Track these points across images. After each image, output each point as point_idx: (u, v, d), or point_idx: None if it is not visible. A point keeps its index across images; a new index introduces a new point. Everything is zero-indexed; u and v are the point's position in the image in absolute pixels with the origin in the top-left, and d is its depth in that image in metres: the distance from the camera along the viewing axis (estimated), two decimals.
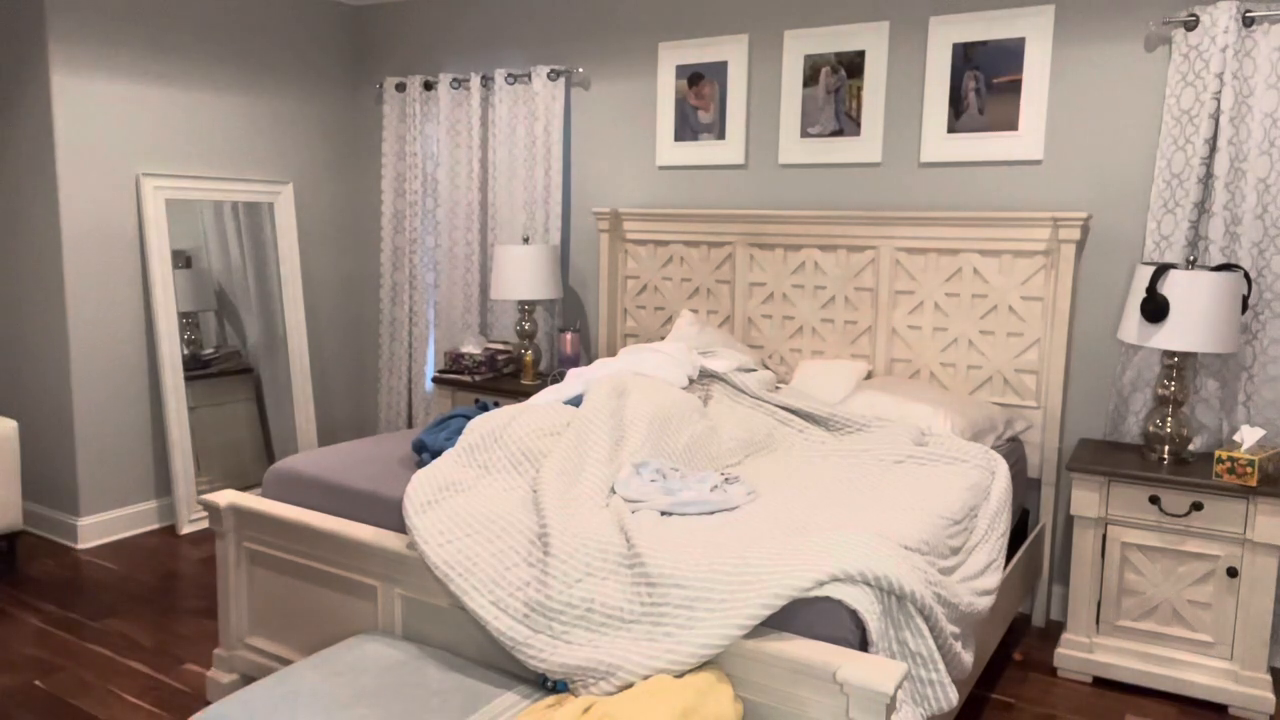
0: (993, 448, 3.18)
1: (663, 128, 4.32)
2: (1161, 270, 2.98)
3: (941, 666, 2.11)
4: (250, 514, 2.80)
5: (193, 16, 4.48)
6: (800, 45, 3.96)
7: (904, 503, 2.53)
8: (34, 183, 4.15)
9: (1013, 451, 3.37)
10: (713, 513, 2.43)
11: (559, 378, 3.97)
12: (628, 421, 2.84)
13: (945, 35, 3.66)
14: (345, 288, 5.36)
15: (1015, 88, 3.55)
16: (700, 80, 4.21)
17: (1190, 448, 3.15)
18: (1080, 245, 3.45)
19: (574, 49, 4.54)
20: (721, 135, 4.18)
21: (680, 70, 4.25)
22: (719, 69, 4.15)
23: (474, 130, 4.71)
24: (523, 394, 4.14)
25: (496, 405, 3.23)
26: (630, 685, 1.98)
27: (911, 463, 2.91)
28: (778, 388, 3.64)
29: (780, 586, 1.97)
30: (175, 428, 4.43)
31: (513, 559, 2.27)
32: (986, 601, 2.48)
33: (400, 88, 4.97)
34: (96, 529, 4.28)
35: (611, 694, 1.99)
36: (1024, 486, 3.46)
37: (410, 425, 5.13)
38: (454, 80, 4.78)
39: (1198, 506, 2.94)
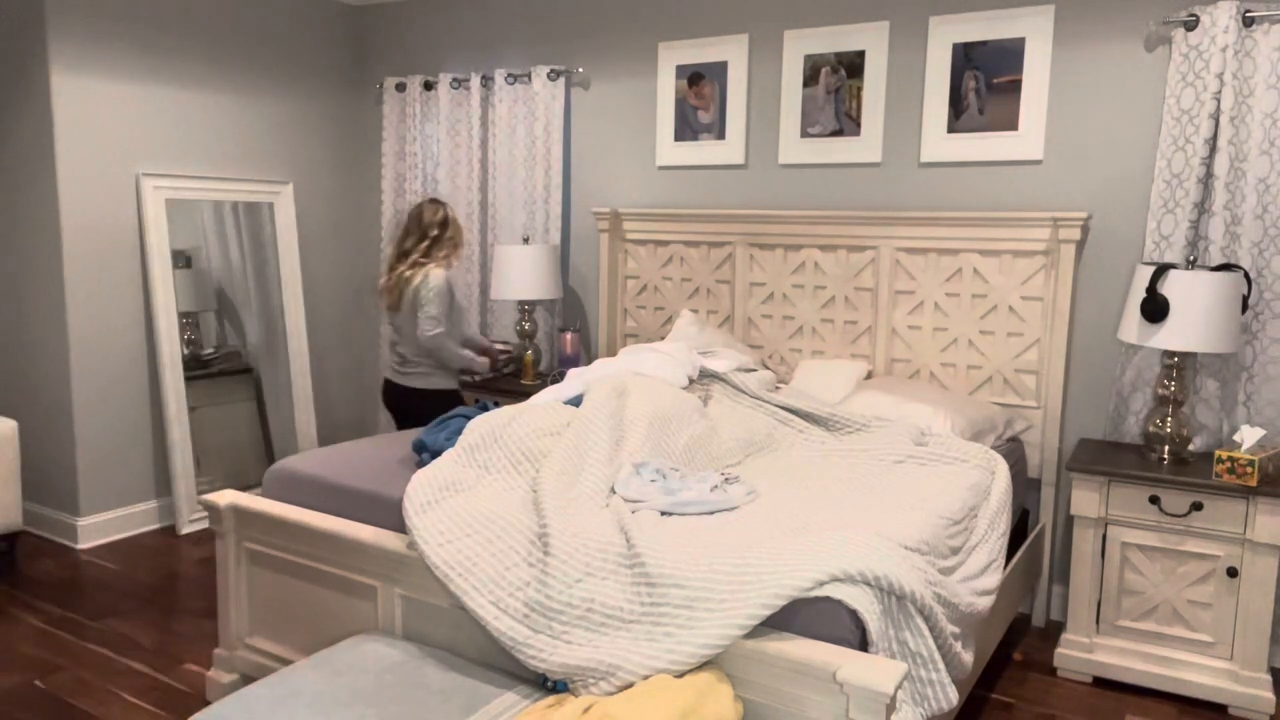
0: (993, 448, 3.17)
1: (663, 128, 4.32)
2: (1161, 270, 2.98)
3: (941, 666, 2.11)
4: (250, 514, 2.80)
5: (193, 16, 4.48)
6: (800, 45, 3.96)
7: (904, 503, 2.53)
8: (34, 183, 4.15)
9: (1013, 451, 3.37)
10: (712, 513, 2.43)
11: (559, 378, 3.97)
12: (628, 421, 2.84)
13: (945, 35, 3.65)
14: (345, 288, 5.36)
15: (1015, 88, 3.55)
16: (700, 80, 4.21)
17: (1190, 448, 3.14)
18: (1080, 245, 3.45)
19: (574, 49, 4.53)
20: (721, 135, 4.18)
21: (680, 70, 4.25)
22: (719, 69, 4.15)
23: (474, 130, 4.71)
24: (523, 394, 4.14)
25: (496, 405, 3.23)
26: (630, 685, 1.98)
27: (911, 463, 2.91)
28: (778, 388, 3.64)
29: (780, 586, 1.97)
30: (175, 428, 4.43)
31: (513, 559, 2.27)
32: (986, 601, 2.48)
33: (400, 88, 4.97)
34: (96, 529, 4.28)
35: (611, 694, 1.99)
36: (1024, 486, 3.46)
37: None
38: (454, 80, 4.78)
39: (1198, 506, 2.94)
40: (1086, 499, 3.09)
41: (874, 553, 2.06)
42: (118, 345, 4.30)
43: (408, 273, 3.60)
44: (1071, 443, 3.56)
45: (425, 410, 3.63)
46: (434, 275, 3.63)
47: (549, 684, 2.14)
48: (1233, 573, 2.92)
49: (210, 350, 4.77)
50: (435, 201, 3.79)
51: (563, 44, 4.56)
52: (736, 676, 1.99)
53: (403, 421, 3.82)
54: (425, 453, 2.86)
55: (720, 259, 4.15)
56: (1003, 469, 2.97)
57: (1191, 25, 3.16)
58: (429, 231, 3.68)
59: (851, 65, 3.86)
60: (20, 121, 4.17)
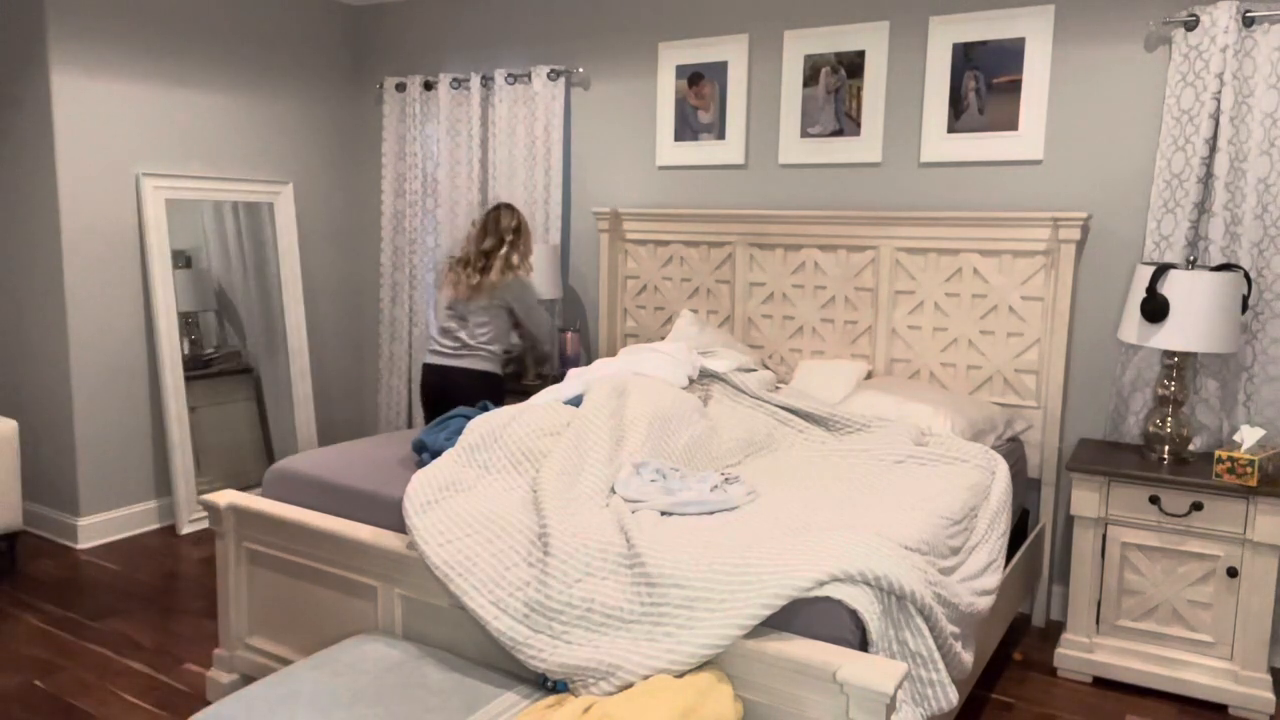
0: (993, 448, 3.17)
1: (663, 128, 4.32)
2: (1161, 270, 2.98)
3: (941, 666, 2.11)
4: (250, 514, 2.80)
5: (193, 16, 4.48)
6: (800, 45, 3.96)
7: (904, 503, 2.53)
8: (34, 182, 4.15)
9: (1013, 451, 3.37)
10: (712, 513, 2.43)
11: (560, 377, 3.97)
12: (628, 421, 2.84)
13: (945, 35, 3.65)
14: (345, 288, 5.36)
15: (1015, 88, 3.55)
16: (700, 80, 4.21)
17: (1190, 448, 3.14)
18: (1080, 245, 3.45)
19: (574, 49, 4.53)
20: (721, 135, 4.18)
21: (680, 70, 4.25)
22: (719, 69, 4.15)
23: (474, 130, 4.71)
24: (523, 394, 4.13)
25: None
26: (630, 685, 1.98)
27: (912, 463, 2.91)
28: (778, 388, 3.64)
29: (780, 586, 1.97)
30: (175, 428, 4.43)
31: (513, 559, 2.27)
32: (986, 601, 2.48)
33: (400, 88, 4.97)
34: (96, 529, 4.28)
35: (611, 694, 1.99)
36: (1024, 486, 3.46)
37: (410, 425, 5.13)
38: (454, 80, 4.78)
39: (1198, 506, 2.94)
40: (1086, 499, 3.09)
41: (874, 553, 2.06)
42: (118, 345, 4.30)
43: (497, 277, 3.82)
44: (1071, 443, 3.57)
45: (471, 388, 3.84)
46: (529, 281, 3.94)
47: (549, 684, 2.14)
48: (1233, 573, 2.92)
49: (210, 350, 4.78)
50: (509, 207, 3.95)
51: (563, 44, 4.56)
52: (736, 676, 1.99)
53: (443, 404, 3.90)
54: (425, 453, 2.86)
55: (720, 259, 4.15)
56: (1003, 469, 2.97)
57: (1191, 25, 3.16)
58: (505, 236, 3.87)
59: (851, 65, 3.86)
60: (20, 121, 4.17)
